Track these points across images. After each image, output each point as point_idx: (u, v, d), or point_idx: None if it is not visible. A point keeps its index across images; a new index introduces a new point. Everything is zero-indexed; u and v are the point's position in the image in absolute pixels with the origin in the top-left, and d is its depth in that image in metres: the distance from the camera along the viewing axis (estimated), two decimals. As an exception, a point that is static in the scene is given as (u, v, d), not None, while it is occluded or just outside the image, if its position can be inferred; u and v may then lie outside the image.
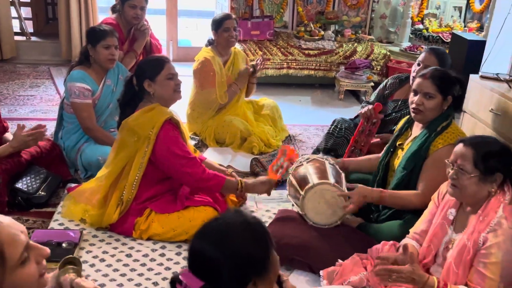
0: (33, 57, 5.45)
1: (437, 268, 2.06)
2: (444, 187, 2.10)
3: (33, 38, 5.63)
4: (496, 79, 2.65)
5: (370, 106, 3.17)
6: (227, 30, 3.63)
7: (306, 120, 4.40)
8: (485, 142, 1.96)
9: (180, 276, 1.25)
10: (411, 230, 2.19)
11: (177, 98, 2.63)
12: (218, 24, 3.65)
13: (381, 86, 3.50)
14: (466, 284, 1.86)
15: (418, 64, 3.06)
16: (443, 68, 2.58)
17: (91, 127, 3.09)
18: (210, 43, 3.77)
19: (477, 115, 2.69)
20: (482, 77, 2.71)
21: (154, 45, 3.93)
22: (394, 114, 3.27)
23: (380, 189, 2.52)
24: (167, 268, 2.33)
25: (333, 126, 3.52)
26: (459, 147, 1.96)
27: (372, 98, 3.50)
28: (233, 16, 3.82)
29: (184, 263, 2.39)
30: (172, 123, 2.54)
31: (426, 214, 2.17)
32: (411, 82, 3.11)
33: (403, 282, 1.90)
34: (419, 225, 2.17)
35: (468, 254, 1.87)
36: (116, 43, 3.13)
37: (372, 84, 4.85)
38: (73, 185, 2.88)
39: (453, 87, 2.45)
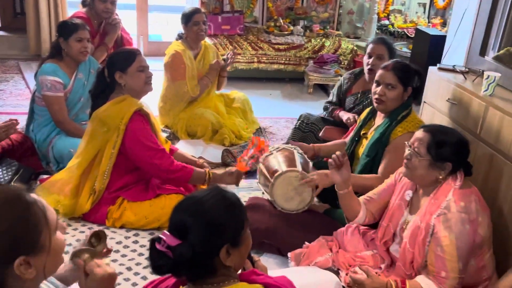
0: (1, 52, 5.39)
1: (396, 247, 2.20)
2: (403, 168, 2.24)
3: (1, 33, 5.57)
4: (453, 70, 2.79)
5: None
6: (197, 24, 3.69)
7: (276, 113, 4.50)
8: (443, 131, 2.09)
9: (160, 235, 1.32)
10: (366, 194, 2.35)
11: (148, 90, 2.68)
12: (188, 18, 3.70)
13: (337, 84, 3.61)
14: (429, 269, 1.99)
15: (370, 56, 3.20)
16: (403, 61, 2.71)
17: (63, 120, 3.12)
18: (180, 37, 3.82)
19: (435, 105, 2.83)
20: (440, 69, 2.85)
21: (125, 39, 3.96)
22: (356, 107, 3.39)
23: None
24: (140, 254, 2.40)
25: (299, 121, 3.62)
26: (420, 131, 2.10)
27: (331, 98, 3.60)
28: (202, 10, 3.88)
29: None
30: (141, 115, 2.59)
31: (383, 184, 2.33)
32: (365, 74, 3.25)
33: None
34: (371, 193, 2.33)
35: (421, 234, 2.00)
36: (88, 36, 3.16)
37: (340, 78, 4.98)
38: (45, 176, 2.91)
39: (413, 79, 2.59)
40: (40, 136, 3.18)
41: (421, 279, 1.98)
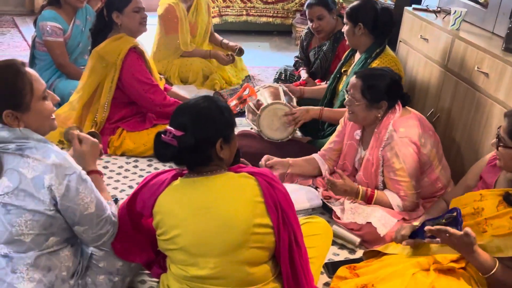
0: (-4, 8, 5.52)
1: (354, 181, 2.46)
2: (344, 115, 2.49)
3: (-5, -11, 5.67)
4: (426, 10, 3.01)
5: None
6: None
7: (265, 63, 4.71)
8: (373, 75, 2.30)
9: (166, 128, 1.57)
10: (322, 148, 2.60)
11: (143, 30, 2.88)
12: None
13: (300, 41, 3.81)
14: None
15: (311, 20, 3.41)
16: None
17: (64, 63, 3.31)
18: None
19: (409, 43, 3.06)
20: (414, 8, 3.07)
21: None
22: (316, 61, 3.57)
23: (321, 107, 2.88)
24: (140, 176, 2.66)
25: (278, 73, 3.83)
26: (353, 78, 2.32)
27: (299, 52, 3.82)
28: None
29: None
30: (136, 52, 2.80)
31: (335, 133, 2.56)
32: (317, 36, 3.47)
33: (339, 194, 2.32)
34: (327, 144, 2.57)
35: (372, 166, 2.29)
36: (83, -17, 3.33)
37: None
38: (48, 114, 3.12)
39: (362, 15, 2.73)
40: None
41: (387, 191, 2.27)
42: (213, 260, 1.56)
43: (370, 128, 2.35)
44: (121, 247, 1.77)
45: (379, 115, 2.27)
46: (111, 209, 1.73)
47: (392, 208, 2.22)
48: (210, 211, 1.56)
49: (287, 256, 1.63)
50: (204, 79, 3.94)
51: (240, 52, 4.09)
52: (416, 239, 1.83)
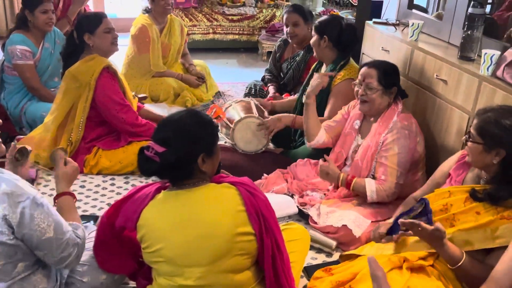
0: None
1: (347, 169, 2.59)
2: (353, 104, 2.67)
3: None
4: (386, 23, 3.18)
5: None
6: None
7: (233, 79, 4.81)
8: (382, 62, 2.54)
9: (148, 143, 1.62)
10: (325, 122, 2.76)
11: (114, 50, 2.94)
12: None
13: (272, 53, 3.94)
14: (373, 177, 2.40)
15: (287, 25, 3.54)
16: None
17: (36, 86, 3.32)
18: (147, 10, 3.96)
19: (371, 55, 3.22)
20: (375, 22, 3.24)
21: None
22: (288, 72, 3.70)
23: (293, 114, 3.00)
24: (118, 193, 2.69)
25: (248, 89, 3.94)
26: (364, 69, 2.50)
27: (269, 66, 3.92)
28: None
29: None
30: (110, 72, 2.85)
31: (339, 114, 2.73)
32: (290, 41, 3.60)
33: (322, 176, 2.47)
34: (332, 119, 2.74)
35: (371, 151, 2.44)
36: (52, 8, 3.36)
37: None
38: (21, 136, 3.12)
39: (328, 29, 2.89)
40: (11, 103, 3.38)
41: (366, 179, 2.42)
42: (199, 269, 1.61)
43: (374, 118, 2.51)
44: (104, 259, 1.81)
45: (391, 100, 2.47)
46: (77, 231, 1.72)
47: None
48: (194, 222, 1.61)
49: (270, 261, 1.68)
50: (175, 97, 4.00)
51: (201, 77, 4.15)
52: (393, 235, 1.93)
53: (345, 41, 2.88)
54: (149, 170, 1.63)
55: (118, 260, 1.84)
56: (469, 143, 1.85)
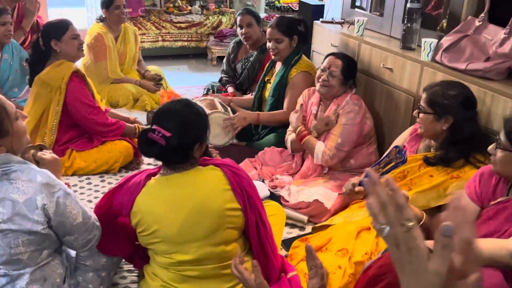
0: None
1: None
2: (306, 92, 2.93)
3: None
4: (332, 22, 3.49)
5: None
6: (118, 7, 3.94)
7: (188, 83, 4.97)
8: (347, 56, 2.85)
9: (153, 127, 1.74)
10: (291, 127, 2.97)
11: (81, 55, 3.05)
12: (109, 3, 3.94)
13: (226, 55, 4.15)
14: None
15: (241, 27, 3.78)
16: (286, 16, 3.38)
17: None
18: (101, 19, 4.05)
19: (322, 51, 3.51)
20: (322, 21, 3.54)
21: (41, 24, 4.15)
22: (243, 72, 3.93)
23: (257, 112, 3.23)
24: (96, 191, 2.79)
25: (206, 90, 4.14)
26: (331, 58, 2.80)
27: (224, 67, 4.12)
28: None
29: (108, 187, 2.86)
30: (78, 76, 2.95)
31: (299, 112, 2.93)
32: (244, 42, 3.83)
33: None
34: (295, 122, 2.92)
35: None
36: (10, 20, 3.41)
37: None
38: None
39: (295, 28, 3.21)
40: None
41: (318, 142, 2.71)
42: (196, 244, 1.77)
43: (326, 102, 2.81)
44: (103, 244, 1.92)
45: (348, 90, 2.78)
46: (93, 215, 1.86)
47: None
48: (187, 202, 1.76)
49: (255, 232, 1.87)
50: (134, 101, 4.11)
51: (159, 80, 4.30)
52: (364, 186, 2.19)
53: (303, 36, 3.17)
54: (152, 152, 1.76)
55: (115, 243, 1.95)
56: (421, 115, 2.15)
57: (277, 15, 5.98)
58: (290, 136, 2.93)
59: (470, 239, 0.72)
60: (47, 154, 1.86)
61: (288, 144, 2.93)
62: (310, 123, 2.87)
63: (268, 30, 3.23)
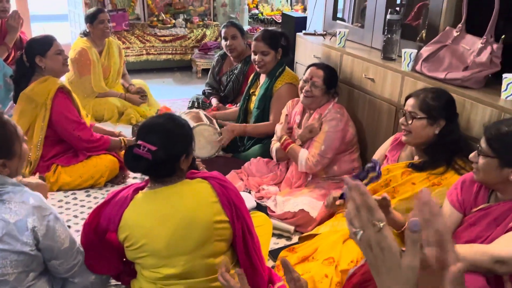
0: None
1: None
2: (291, 103, 2.98)
3: None
4: (314, 34, 3.55)
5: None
6: (102, 22, 3.97)
7: (173, 96, 4.99)
8: (328, 66, 2.91)
9: (138, 142, 1.74)
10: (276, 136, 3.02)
11: (66, 70, 3.06)
12: (93, 17, 3.97)
13: (211, 68, 4.19)
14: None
15: (225, 39, 3.82)
16: (271, 29, 3.44)
17: None
18: (85, 34, 4.07)
19: (305, 63, 3.55)
20: (305, 33, 3.60)
21: (25, 40, 4.14)
22: (228, 84, 3.97)
23: (244, 124, 3.26)
24: (82, 206, 2.78)
25: (191, 103, 4.16)
26: (313, 69, 2.85)
27: (209, 80, 4.16)
28: (105, 9, 4.20)
29: (94, 202, 2.86)
30: (64, 91, 2.95)
31: (284, 121, 2.98)
32: (229, 54, 3.87)
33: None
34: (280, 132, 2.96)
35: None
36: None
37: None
38: None
39: (279, 41, 3.27)
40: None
41: (301, 150, 2.76)
42: (183, 257, 1.76)
43: (309, 112, 2.86)
44: (91, 262, 1.91)
45: (329, 99, 2.83)
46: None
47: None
48: (175, 215, 1.76)
49: (242, 244, 1.87)
50: (119, 115, 4.11)
51: (142, 93, 4.32)
52: (345, 198, 2.21)
53: (286, 49, 3.22)
54: (138, 167, 1.76)
55: (104, 262, 1.93)
56: (414, 121, 2.16)
57: (261, 28, 6.06)
58: (275, 145, 2.97)
59: (441, 230, 0.76)
60: (34, 179, 1.91)
61: (273, 153, 2.97)
62: (294, 132, 2.91)
63: (254, 43, 3.27)
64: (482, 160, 1.71)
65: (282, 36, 3.30)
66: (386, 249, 0.76)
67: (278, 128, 2.91)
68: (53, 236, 1.66)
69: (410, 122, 2.16)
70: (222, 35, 3.83)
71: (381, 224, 0.77)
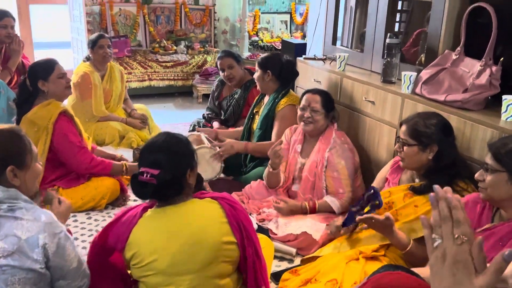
0: None
1: (296, 186, 2.88)
2: (288, 131, 2.98)
3: None
4: (314, 58, 3.59)
5: None
6: (102, 47, 4.04)
7: (174, 120, 5.01)
8: (323, 90, 2.92)
9: (141, 169, 1.74)
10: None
11: (68, 94, 3.08)
12: (94, 43, 4.06)
13: (211, 93, 4.24)
14: (329, 191, 2.71)
15: (222, 70, 3.87)
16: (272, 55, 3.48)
17: None
18: (87, 59, 4.14)
19: (305, 87, 3.59)
20: (305, 58, 3.65)
21: (27, 64, 4.19)
22: (228, 108, 4.00)
23: (245, 141, 3.27)
24: (83, 228, 2.77)
25: (192, 127, 4.18)
26: (309, 95, 2.85)
27: (210, 104, 4.20)
28: (107, 35, 4.27)
29: (95, 224, 2.84)
30: (66, 115, 2.97)
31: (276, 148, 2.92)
32: (229, 84, 3.92)
33: (287, 214, 2.70)
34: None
35: (318, 166, 2.76)
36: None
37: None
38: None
39: (269, 64, 3.29)
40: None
41: (327, 197, 2.72)
42: (189, 277, 1.75)
43: (314, 138, 2.85)
44: (95, 283, 1.90)
45: (329, 122, 2.84)
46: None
47: (334, 212, 2.68)
48: (183, 233, 1.75)
49: (252, 267, 1.86)
50: (120, 139, 4.13)
51: (144, 121, 4.35)
52: (348, 225, 2.21)
53: (285, 74, 3.26)
54: (146, 193, 1.75)
55: (107, 282, 1.92)
56: (405, 148, 2.19)
57: (261, 54, 6.14)
58: (266, 171, 2.92)
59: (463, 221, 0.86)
60: (62, 205, 2.02)
61: (265, 180, 2.93)
62: (294, 161, 2.90)
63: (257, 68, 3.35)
64: (490, 177, 1.70)
65: (280, 61, 3.31)
66: (462, 263, 0.81)
67: (272, 153, 2.80)
68: (63, 254, 1.66)
69: (402, 149, 2.19)
70: (219, 66, 3.89)
71: (465, 239, 0.82)
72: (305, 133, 2.89)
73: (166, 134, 1.88)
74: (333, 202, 2.68)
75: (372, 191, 2.08)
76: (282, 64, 3.29)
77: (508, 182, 1.66)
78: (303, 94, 2.91)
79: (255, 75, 3.31)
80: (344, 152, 2.72)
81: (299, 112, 2.86)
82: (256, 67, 3.31)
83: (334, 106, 2.89)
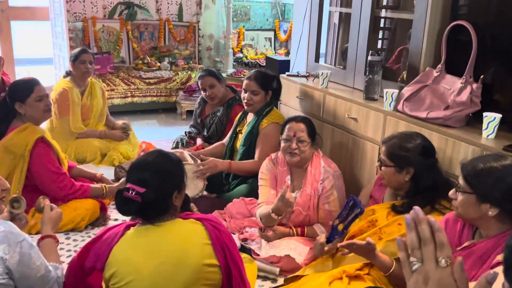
0: None
1: (286, 219, 2.81)
2: (268, 162, 2.85)
3: None
4: (297, 75, 3.59)
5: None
6: (83, 62, 4.00)
7: (157, 137, 4.96)
8: (305, 117, 2.83)
9: (127, 185, 1.71)
10: (262, 200, 2.76)
11: (47, 117, 2.99)
12: (76, 57, 4.01)
13: (194, 110, 4.21)
14: (320, 222, 2.65)
15: (204, 89, 3.85)
16: (263, 70, 3.47)
17: None
18: (68, 74, 4.08)
19: (288, 103, 3.59)
20: (288, 75, 3.64)
21: (7, 81, 4.12)
22: (211, 126, 3.97)
23: (229, 160, 3.23)
24: (61, 249, 2.69)
25: (175, 144, 4.15)
26: (292, 124, 2.71)
27: (193, 122, 4.18)
28: (90, 51, 4.23)
29: (74, 244, 2.77)
30: (44, 142, 2.86)
31: (266, 188, 2.80)
32: (211, 103, 3.90)
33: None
34: (268, 196, 2.75)
35: (312, 199, 2.67)
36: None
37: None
38: None
39: (271, 83, 3.30)
40: None
41: (316, 226, 2.66)
42: None
43: (301, 168, 2.72)
44: None
45: (315, 151, 2.73)
46: (57, 271, 1.82)
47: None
48: (164, 254, 1.71)
49: None
50: (102, 157, 4.06)
51: (126, 128, 4.30)
52: (333, 241, 2.17)
53: (280, 91, 3.27)
54: (130, 210, 1.72)
55: None
56: (383, 168, 2.20)
57: (246, 71, 6.15)
58: (260, 211, 2.66)
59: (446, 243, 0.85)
60: (54, 212, 2.09)
61: (259, 220, 2.68)
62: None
63: (246, 81, 3.28)
64: (460, 197, 1.72)
65: (274, 79, 3.33)
66: (446, 287, 0.80)
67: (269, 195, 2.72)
68: (28, 262, 1.62)
69: (381, 169, 2.20)
70: (200, 86, 3.86)
71: (449, 262, 0.81)
72: (290, 164, 2.76)
73: (158, 152, 1.86)
74: (323, 232, 2.59)
75: (352, 201, 2.06)
76: (278, 82, 3.33)
77: (476, 204, 1.67)
78: (285, 122, 2.77)
79: (256, 98, 3.24)
80: (336, 181, 2.66)
81: (283, 144, 2.71)
82: (256, 88, 3.24)
83: (316, 131, 2.78)
